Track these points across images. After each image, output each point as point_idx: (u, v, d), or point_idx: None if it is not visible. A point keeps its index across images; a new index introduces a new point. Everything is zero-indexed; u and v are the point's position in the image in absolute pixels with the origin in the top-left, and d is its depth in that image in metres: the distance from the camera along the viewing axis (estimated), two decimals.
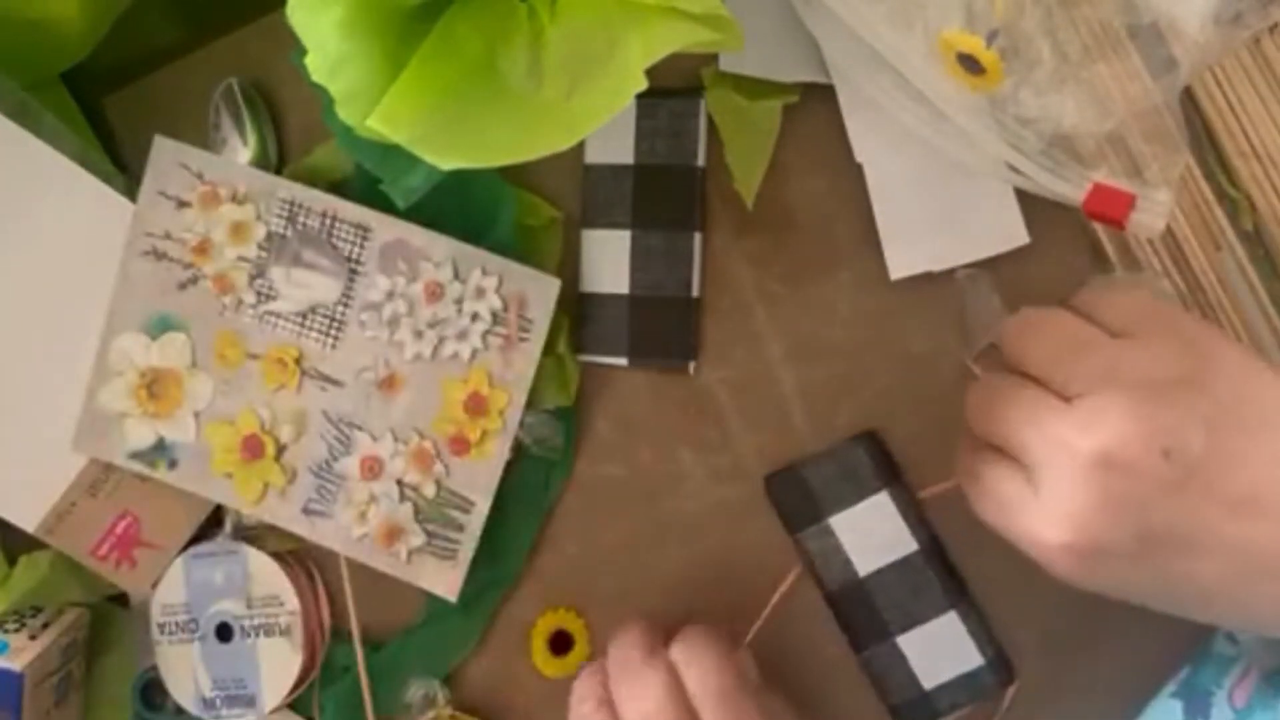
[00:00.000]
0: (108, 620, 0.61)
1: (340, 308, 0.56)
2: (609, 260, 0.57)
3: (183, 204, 0.56)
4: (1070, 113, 0.47)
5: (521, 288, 0.55)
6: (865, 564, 0.56)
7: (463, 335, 0.55)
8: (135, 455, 0.57)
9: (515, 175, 0.57)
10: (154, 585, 0.59)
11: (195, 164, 0.56)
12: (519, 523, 0.58)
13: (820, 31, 0.52)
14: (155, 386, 0.56)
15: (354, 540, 0.56)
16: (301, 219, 0.56)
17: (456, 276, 0.55)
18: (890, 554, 0.55)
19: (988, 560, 0.56)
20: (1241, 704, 0.47)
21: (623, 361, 0.58)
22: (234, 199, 0.56)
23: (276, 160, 0.59)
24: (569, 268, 0.58)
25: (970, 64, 0.46)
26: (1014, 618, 0.56)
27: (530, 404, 0.56)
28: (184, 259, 0.56)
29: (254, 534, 0.59)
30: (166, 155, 0.56)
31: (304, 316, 0.56)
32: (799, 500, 0.56)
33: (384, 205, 0.55)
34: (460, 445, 0.56)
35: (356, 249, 0.56)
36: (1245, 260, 0.54)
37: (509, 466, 0.56)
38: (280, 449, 0.56)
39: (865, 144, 0.55)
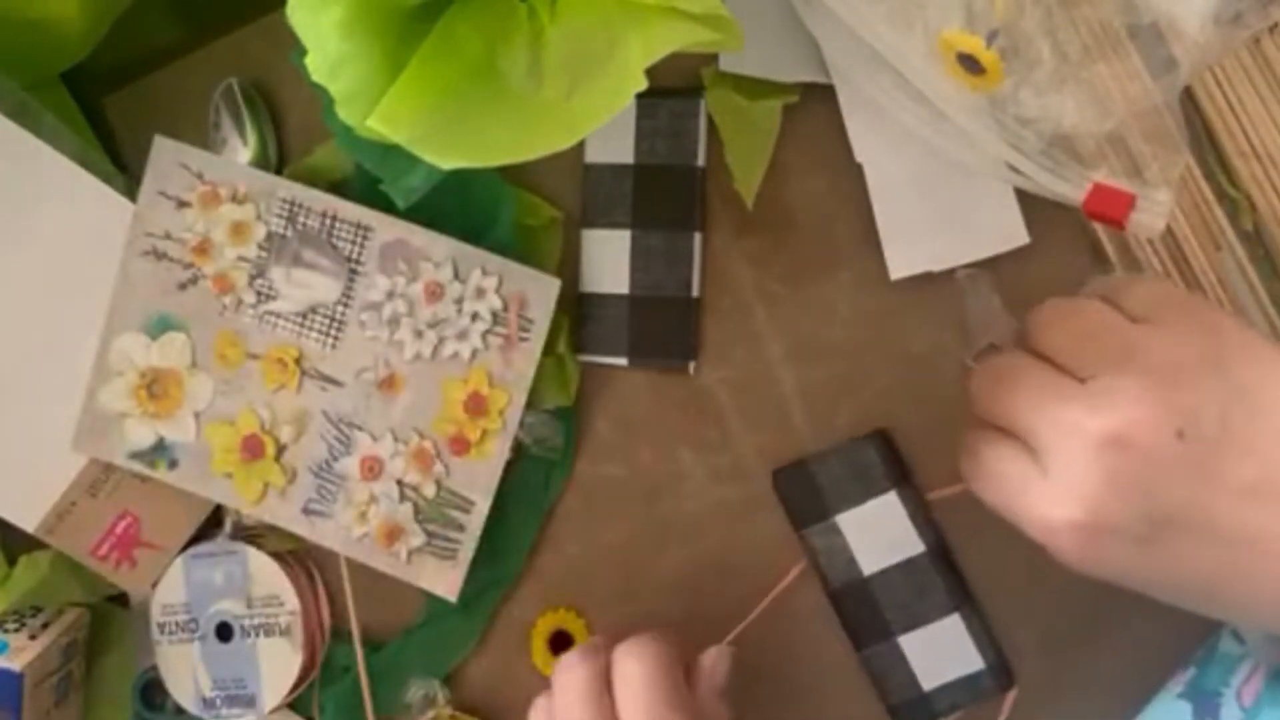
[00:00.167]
0: (108, 620, 0.61)
1: (340, 308, 0.56)
2: (609, 260, 0.57)
3: (183, 204, 0.56)
4: (1070, 113, 0.47)
5: (521, 288, 0.55)
6: (870, 563, 0.55)
7: (463, 335, 0.55)
8: (135, 455, 0.57)
9: (515, 175, 0.57)
10: (154, 585, 0.59)
11: (195, 164, 0.56)
12: (519, 523, 0.58)
13: (820, 31, 0.52)
14: (155, 386, 0.56)
15: (354, 540, 0.56)
16: (301, 219, 0.56)
17: (456, 276, 0.55)
18: (896, 554, 0.55)
19: (988, 559, 0.56)
20: (1249, 702, 0.47)
21: (623, 361, 0.57)
22: (234, 199, 0.56)
23: (276, 160, 0.59)
24: (569, 268, 0.58)
25: (970, 64, 0.46)
26: (1014, 617, 0.56)
27: (530, 404, 0.56)
28: (184, 259, 0.56)
29: (254, 534, 0.59)
30: (166, 155, 0.56)
31: (304, 316, 0.56)
32: (806, 497, 0.56)
33: (384, 205, 0.55)
34: (460, 445, 0.56)
35: (356, 249, 0.56)
36: (1245, 260, 0.54)
37: (509, 466, 0.56)
38: (280, 449, 0.56)
39: (865, 144, 0.55)
